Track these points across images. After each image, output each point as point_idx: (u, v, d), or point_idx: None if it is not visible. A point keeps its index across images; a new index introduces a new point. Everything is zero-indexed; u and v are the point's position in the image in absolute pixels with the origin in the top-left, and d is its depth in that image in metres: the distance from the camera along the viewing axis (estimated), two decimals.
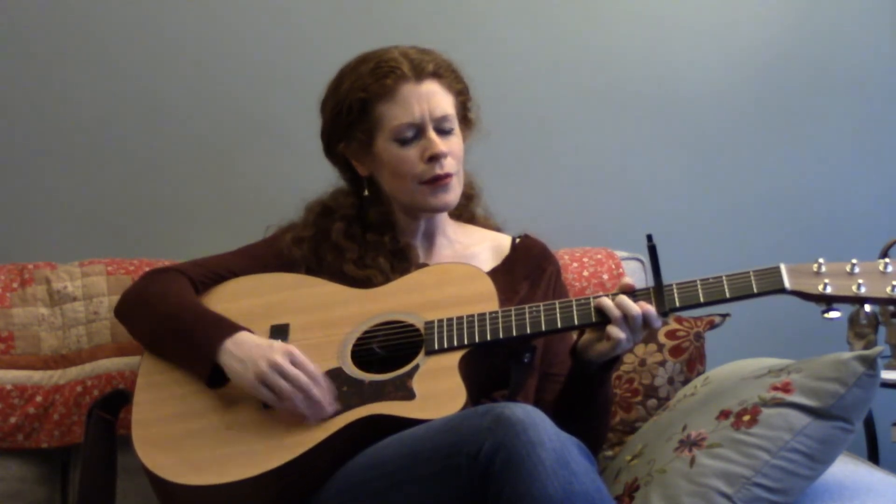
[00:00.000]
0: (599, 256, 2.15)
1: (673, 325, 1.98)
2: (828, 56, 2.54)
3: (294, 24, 2.30)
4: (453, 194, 1.74)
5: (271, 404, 1.55)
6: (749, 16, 2.50)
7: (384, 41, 1.78)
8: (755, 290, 1.50)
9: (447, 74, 1.75)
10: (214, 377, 1.60)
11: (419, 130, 1.71)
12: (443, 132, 1.72)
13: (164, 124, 2.25)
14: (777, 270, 1.50)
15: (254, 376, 1.54)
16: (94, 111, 2.23)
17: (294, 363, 1.54)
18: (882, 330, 2.11)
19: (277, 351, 1.55)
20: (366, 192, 1.79)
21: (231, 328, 1.61)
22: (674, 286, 1.54)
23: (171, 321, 1.66)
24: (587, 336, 1.60)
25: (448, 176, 1.71)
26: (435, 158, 1.70)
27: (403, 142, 1.71)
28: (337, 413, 1.54)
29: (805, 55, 2.53)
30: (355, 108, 1.72)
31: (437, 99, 1.72)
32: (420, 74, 1.72)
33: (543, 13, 2.41)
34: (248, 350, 1.57)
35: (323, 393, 1.53)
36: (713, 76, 2.49)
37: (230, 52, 2.28)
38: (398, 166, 1.71)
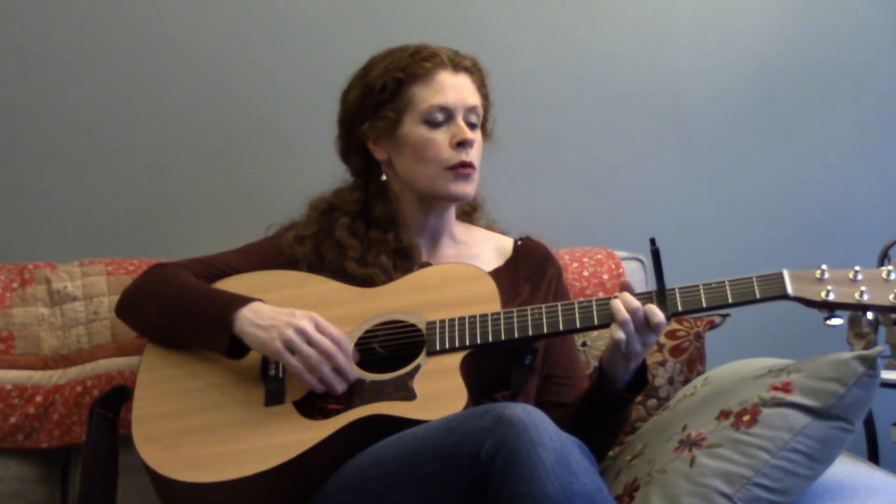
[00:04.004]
0: (599, 256, 2.15)
1: (673, 325, 1.99)
2: (828, 56, 2.54)
3: (296, 23, 2.31)
4: (472, 187, 1.75)
5: (297, 374, 1.55)
6: (749, 16, 2.51)
7: (387, 44, 1.80)
8: (758, 296, 1.50)
9: (478, 75, 1.79)
10: (231, 350, 1.60)
11: (449, 116, 1.73)
12: (470, 124, 1.74)
13: (164, 124, 2.26)
14: (780, 276, 1.50)
15: (281, 344, 1.54)
16: (95, 111, 2.23)
17: (319, 329, 1.55)
18: (882, 330, 2.12)
19: (302, 317, 1.56)
20: (383, 177, 1.79)
21: (245, 298, 1.61)
22: (676, 290, 1.54)
23: (181, 301, 1.66)
24: (605, 352, 1.61)
25: (472, 166, 1.73)
26: (462, 145, 1.71)
27: (433, 124, 1.72)
28: (338, 408, 1.54)
29: (805, 55, 2.53)
30: (389, 86, 1.73)
31: (469, 91, 1.75)
32: (457, 66, 1.75)
33: (543, 14, 2.41)
34: (271, 317, 1.57)
35: (347, 361, 1.55)
36: (713, 77, 2.49)
37: (231, 52, 2.28)
38: (424, 149, 1.72)
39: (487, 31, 2.38)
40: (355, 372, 1.56)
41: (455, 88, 1.73)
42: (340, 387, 1.55)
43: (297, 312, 1.57)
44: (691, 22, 2.49)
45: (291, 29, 2.30)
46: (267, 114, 2.29)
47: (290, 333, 1.54)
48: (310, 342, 1.54)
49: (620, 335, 1.51)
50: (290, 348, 1.54)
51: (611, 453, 1.77)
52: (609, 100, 2.45)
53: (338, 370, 1.55)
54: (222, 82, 2.28)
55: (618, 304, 1.52)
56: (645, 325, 1.52)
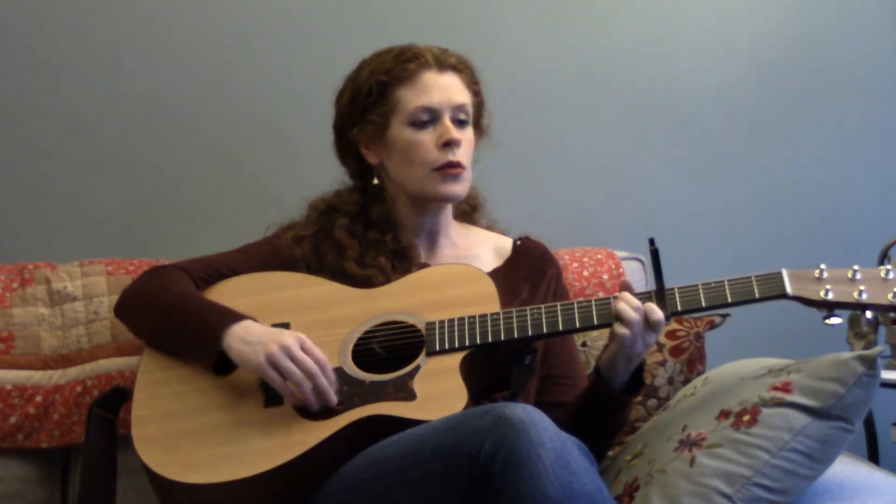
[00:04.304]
0: (599, 256, 2.15)
1: (673, 325, 1.98)
2: (828, 55, 2.54)
3: (296, 24, 2.30)
4: (462, 186, 1.74)
5: (277, 388, 1.55)
6: (748, 16, 2.51)
7: (386, 43, 1.79)
8: (757, 296, 1.51)
9: (467, 72, 1.78)
10: (219, 365, 1.60)
11: (435, 116, 1.72)
12: (458, 122, 1.74)
13: (164, 124, 2.25)
14: (779, 276, 1.51)
15: (263, 358, 1.53)
16: (95, 111, 2.23)
17: (304, 349, 1.55)
18: (882, 330, 2.12)
19: (288, 336, 1.55)
20: (375, 181, 1.79)
21: (237, 316, 1.61)
22: (675, 290, 1.54)
23: (175, 311, 1.65)
24: (603, 353, 1.61)
25: (460, 165, 1.72)
26: (449, 145, 1.70)
27: (419, 126, 1.72)
28: (338, 409, 1.54)
29: (805, 55, 2.53)
30: (375, 90, 1.73)
31: (456, 90, 1.74)
32: (442, 65, 1.74)
33: (543, 13, 2.41)
34: (258, 333, 1.57)
35: (329, 383, 1.54)
36: (713, 76, 2.49)
37: (231, 52, 2.28)
38: (411, 151, 1.72)
39: (487, 30, 2.38)
40: (335, 397, 1.54)
41: (440, 88, 1.72)
42: (317, 406, 1.54)
43: (285, 332, 1.57)
44: (692, 22, 2.48)
45: (292, 29, 2.30)
46: (268, 114, 2.29)
47: (274, 349, 1.53)
48: (293, 359, 1.53)
49: (624, 331, 1.51)
50: (273, 363, 1.53)
51: (611, 453, 1.77)
52: (609, 99, 2.45)
53: (318, 390, 1.54)
54: (223, 82, 2.28)
55: (624, 306, 1.52)
56: (644, 324, 1.52)
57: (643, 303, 1.53)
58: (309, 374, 1.53)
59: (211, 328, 1.59)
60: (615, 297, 1.55)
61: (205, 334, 1.60)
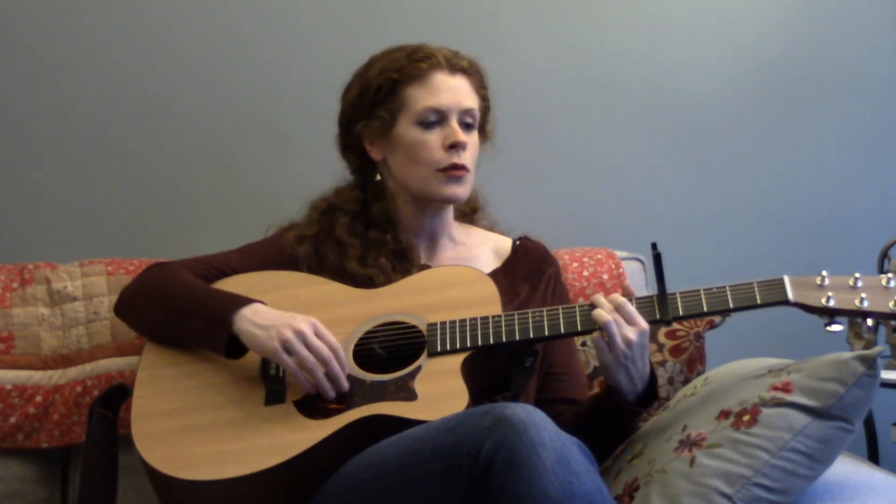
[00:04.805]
0: (599, 256, 2.15)
1: (673, 325, 1.98)
2: (828, 55, 2.54)
3: (297, 23, 2.31)
4: (464, 189, 1.75)
5: (291, 373, 1.56)
6: (748, 15, 2.51)
7: (387, 43, 1.80)
8: (758, 302, 1.52)
9: (476, 76, 1.79)
10: (229, 350, 1.60)
11: (443, 117, 1.73)
12: (465, 126, 1.74)
13: (165, 124, 2.26)
14: (780, 282, 1.51)
15: (278, 343, 1.54)
16: (95, 111, 2.23)
17: (317, 334, 1.55)
18: (882, 330, 2.12)
19: (301, 321, 1.56)
20: (378, 177, 1.79)
21: (246, 299, 1.61)
22: (677, 295, 1.55)
23: (182, 299, 1.66)
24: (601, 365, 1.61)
25: (464, 168, 1.72)
26: (455, 147, 1.71)
27: (426, 126, 1.72)
28: (339, 408, 1.54)
29: (805, 55, 2.53)
30: (385, 87, 1.74)
31: (464, 93, 1.75)
32: (453, 68, 1.75)
33: (543, 12, 2.41)
34: (270, 318, 1.57)
35: (341, 369, 1.55)
36: (713, 76, 2.49)
37: (232, 52, 2.28)
38: (417, 150, 1.72)
39: (487, 30, 2.38)
40: (346, 382, 1.56)
41: (450, 90, 1.73)
42: (331, 392, 1.55)
43: (297, 316, 1.57)
44: (692, 21, 2.49)
45: (292, 29, 2.30)
46: (267, 114, 2.29)
47: (289, 334, 1.54)
48: (307, 345, 1.54)
49: (606, 316, 1.53)
50: (287, 349, 1.55)
51: None
52: (610, 99, 2.45)
53: (331, 376, 1.55)
54: (223, 82, 2.28)
55: (599, 297, 1.56)
56: (624, 319, 1.54)
57: (643, 307, 1.54)
58: (322, 361, 1.54)
59: (221, 313, 1.60)
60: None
61: (215, 319, 1.60)
